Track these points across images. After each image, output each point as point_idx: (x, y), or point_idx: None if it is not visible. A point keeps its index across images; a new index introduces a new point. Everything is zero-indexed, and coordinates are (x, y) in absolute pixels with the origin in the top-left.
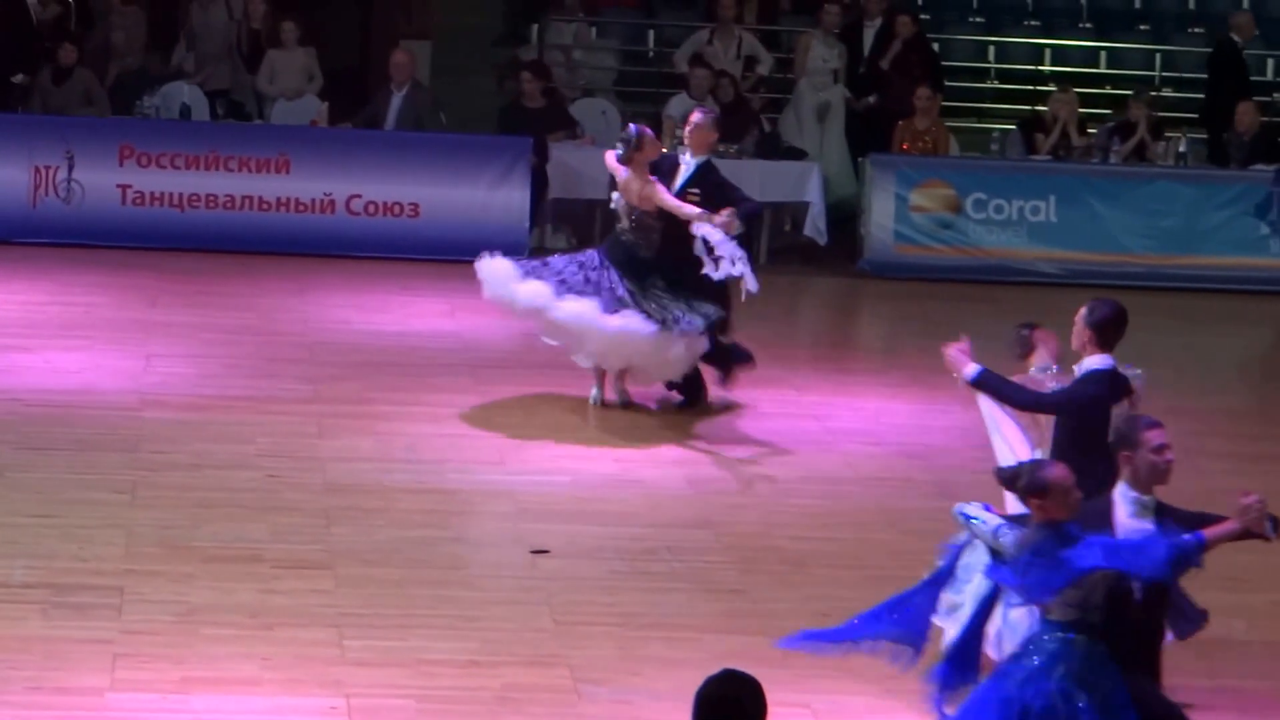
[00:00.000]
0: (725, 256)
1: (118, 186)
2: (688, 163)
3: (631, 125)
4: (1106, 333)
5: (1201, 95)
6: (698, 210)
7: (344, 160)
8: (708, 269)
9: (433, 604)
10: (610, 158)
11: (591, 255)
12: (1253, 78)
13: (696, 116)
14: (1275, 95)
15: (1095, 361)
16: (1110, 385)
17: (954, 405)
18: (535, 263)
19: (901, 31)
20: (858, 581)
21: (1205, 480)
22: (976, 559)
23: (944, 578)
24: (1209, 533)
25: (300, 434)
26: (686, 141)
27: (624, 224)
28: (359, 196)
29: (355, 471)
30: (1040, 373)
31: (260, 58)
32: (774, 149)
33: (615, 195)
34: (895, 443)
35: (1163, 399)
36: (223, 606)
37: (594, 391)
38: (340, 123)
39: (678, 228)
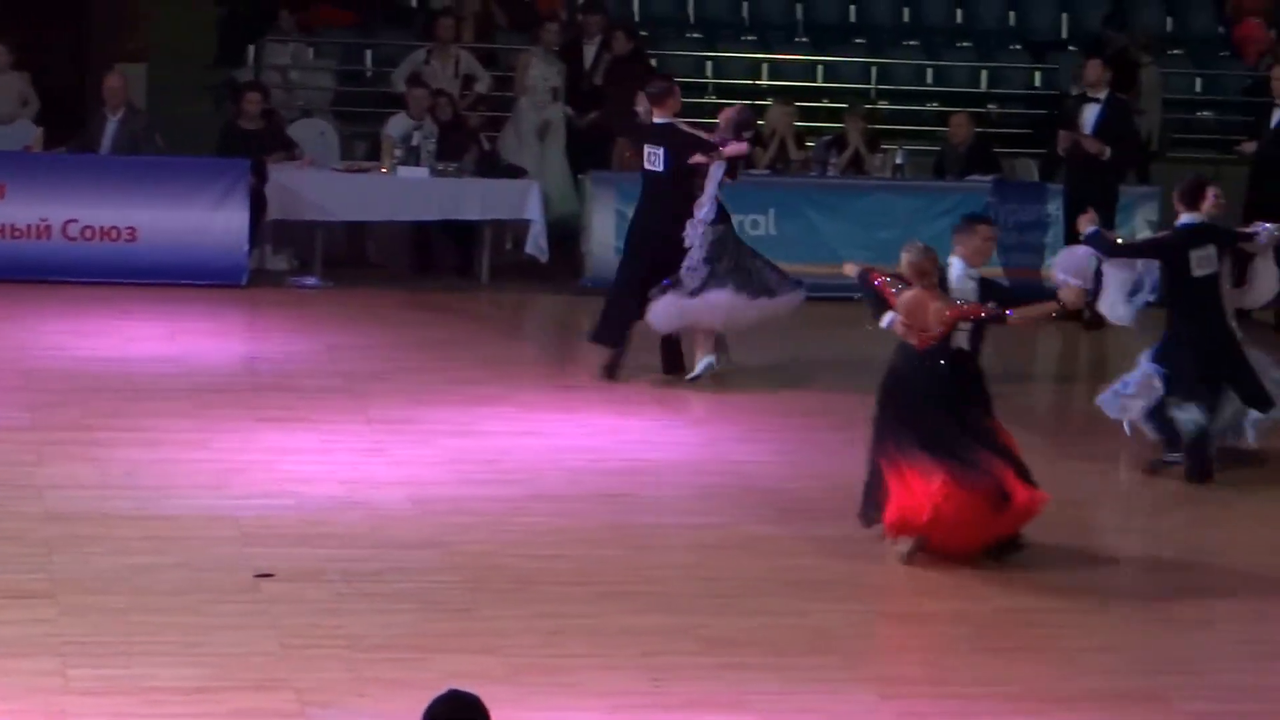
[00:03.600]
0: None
1: None
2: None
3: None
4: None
5: (915, 107)
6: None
7: (60, 185)
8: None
9: (157, 631)
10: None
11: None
12: (964, 89)
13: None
14: (989, 107)
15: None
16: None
17: (679, 421)
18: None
19: (617, 48)
20: (587, 598)
21: None
22: None
23: None
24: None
25: (18, 462)
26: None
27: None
28: (75, 221)
29: (75, 499)
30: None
31: None
32: (493, 167)
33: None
34: (621, 459)
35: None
36: None
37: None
38: (56, 147)
39: None
